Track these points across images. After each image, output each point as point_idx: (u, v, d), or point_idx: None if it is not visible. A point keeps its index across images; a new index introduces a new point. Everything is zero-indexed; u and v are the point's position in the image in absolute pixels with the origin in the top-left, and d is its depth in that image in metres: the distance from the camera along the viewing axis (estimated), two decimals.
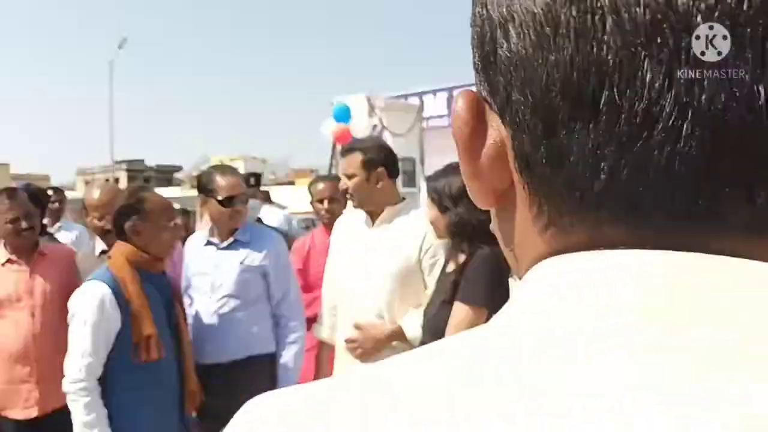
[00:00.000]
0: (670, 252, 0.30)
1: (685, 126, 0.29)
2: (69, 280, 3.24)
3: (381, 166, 2.85)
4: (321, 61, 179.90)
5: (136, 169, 65.29)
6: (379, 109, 7.20)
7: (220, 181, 3.02)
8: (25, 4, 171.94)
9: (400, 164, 7.55)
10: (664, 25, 0.29)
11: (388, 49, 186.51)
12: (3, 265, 3.21)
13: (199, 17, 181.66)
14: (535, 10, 0.31)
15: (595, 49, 0.30)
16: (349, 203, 3.74)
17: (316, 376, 3.07)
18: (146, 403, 2.44)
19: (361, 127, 6.99)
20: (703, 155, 0.29)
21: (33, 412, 3.12)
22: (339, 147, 7.18)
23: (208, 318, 3.02)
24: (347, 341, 2.80)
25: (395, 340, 2.76)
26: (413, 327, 2.70)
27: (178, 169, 77.72)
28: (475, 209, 2.29)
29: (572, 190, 0.32)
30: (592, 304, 0.30)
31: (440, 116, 17.26)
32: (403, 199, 3.01)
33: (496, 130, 0.36)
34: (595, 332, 0.29)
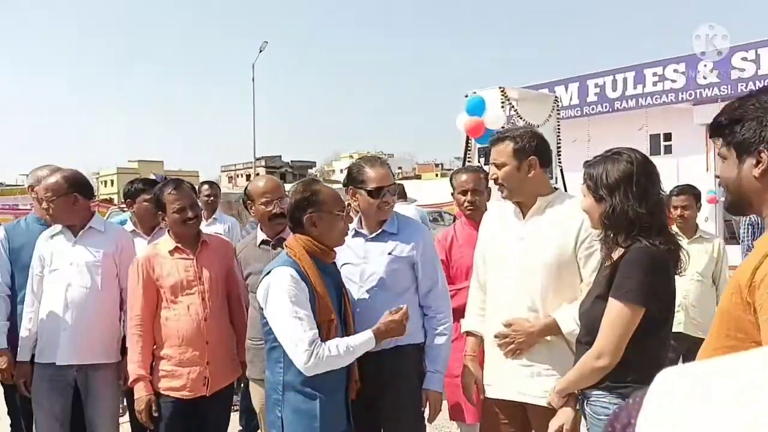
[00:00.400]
0: None
1: None
2: (229, 269, 3.45)
3: (533, 155, 2.77)
4: (447, 59, 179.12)
5: (273, 165, 68.43)
6: (513, 100, 7.11)
7: (370, 172, 3.02)
8: (175, 17, 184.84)
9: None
10: None
11: (517, 46, 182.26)
12: (170, 253, 3.31)
13: (329, 19, 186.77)
14: None
15: None
16: (494, 195, 3.70)
17: (464, 371, 3.05)
18: (319, 382, 2.51)
19: (495, 119, 6.93)
20: None
21: (202, 392, 3.21)
22: (473, 140, 7.19)
23: (358, 307, 3.01)
24: (497, 336, 2.77)
25: (549, 334, 2.70)
26: (569, 321, 2.61)
27: (312, 164, 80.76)
28: (633, 200, 2.28)
29: None
30: None
31: (572, 106, 16.90)
32: (555, 188, 2.93)
33: None
34: None
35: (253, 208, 3.35)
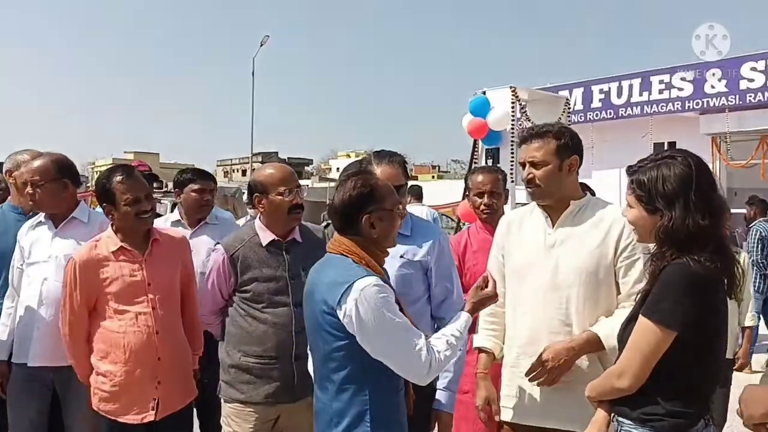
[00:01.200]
0: None
1: None
2: (184, 270, 3.08)
3: (575, 154, 2.58)
4: (449, 59, 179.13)
5: (269, 161, 68.14)
6: (524, 101, 6.87)
7: (377, 169, 2.84)
8: (174, 7, 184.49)
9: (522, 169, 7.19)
10: None
11: (521, 48, 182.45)
12: (114, 254, 2.87)
13: (330, 16, 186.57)
14: None
15: None
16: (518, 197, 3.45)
17: (477, 389, 2.80)
18: (396, 407, 2.28)
19: (499, 120, 6.69)
20: None
21: (149, 416, 2.84)
22: (480, 141, 6.95)
23: None
24: (530, 372, 2.50)
25: (590, 351, 2.46)
26: (611, 334, 2.35)
27: (309, 162, 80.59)
28: (695, 212, 1.93)
29: None
30: None
31: (575, 112, 16.69)
32: (586, 192, 2.70)
33: None
34: None
35: (264, 201, 2.94)
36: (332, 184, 31.10)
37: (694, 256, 1.95)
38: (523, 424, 2.64)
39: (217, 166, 77.34)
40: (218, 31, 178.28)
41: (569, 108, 7.53)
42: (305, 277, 2.75)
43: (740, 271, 2.03)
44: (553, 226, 2.62)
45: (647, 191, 2.06)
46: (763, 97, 14.13)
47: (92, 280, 2.84)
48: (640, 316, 2.02)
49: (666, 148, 17.27)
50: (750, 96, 14.34)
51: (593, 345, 2.45)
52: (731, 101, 14.67)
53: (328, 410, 2.24)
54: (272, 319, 2.85)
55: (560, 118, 7.06)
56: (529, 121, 6.90)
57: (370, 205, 2.25)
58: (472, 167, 7.05)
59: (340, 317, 2.14)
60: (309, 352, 2.46)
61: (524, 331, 2.61)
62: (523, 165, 2.62)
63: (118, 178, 2.83)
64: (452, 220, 14.50)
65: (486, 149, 6.80)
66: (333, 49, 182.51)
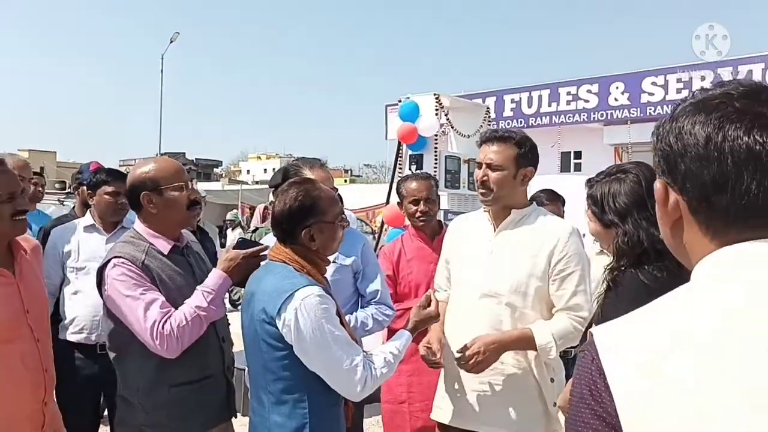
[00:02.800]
0: None
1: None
2: (42, 283, 2.48)
3: (531, 166, 2.60)
4: (364, 64, 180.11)
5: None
6: (446, 108, 6.89)
7: (308, 174, 2.78)
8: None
9: (466, 166, 7.12)
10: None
11: (437, 56, 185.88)
12: None
13: (242, 16, 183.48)
14: (699, 150, 0.82)
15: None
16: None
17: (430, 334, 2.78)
18: (335, 397, 2.16)
19: (429, 126, 6.68)
20: None
21: None
22: (405, 147, 6.91)
23: None
24: (458, 360, 2.52)
25: (521, 346, 2.49)
26: (545, 333, 2.44)
27: (218, 163, 78.77)
28: (648, 225, 1.96)
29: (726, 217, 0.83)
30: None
31: (505, 119, 17.14)
32: (531, 202, 2.74)
33: (675, 196, 0.88)
34: None
35: (155, 199, 2.42)
36: (244, 186, 30.41)
37: (645, 266, 1.98)
38: (455, 427, 2.66)
39: (120, 165, 74.23)
40: (124, 26, 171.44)
41: (490, 116, 7.60)
42: None
43: None
44: (494, 233, 2.65)
45: (600, 206, 2.10)
46: (662, 110, 14.99)
47: None
48: (593, 325, 2.01)
49: (572, 157, 18.09)
50: (650, 109, 15.21)
51: (524, 342, 2.48)
52: (633, 113, 15.50)
53: (266, 423, 2.14)
54: None
55: (481, 125, 7.10)
56: (453, 128, 6.92)
57: (310, 218, 2.16)
58: (396, 173, 7.00)
59: (279, 327, 2.05)
60: (245, 364, 2.32)
61: (458, 338, 2.60)
62: (480, 165, 2.60)
63: None
64: (366, 224, 14.47)
65: (410, 155, 6.74)
66: (246, 49, 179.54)
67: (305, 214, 2.16)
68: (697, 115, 0.84)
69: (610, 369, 0.78)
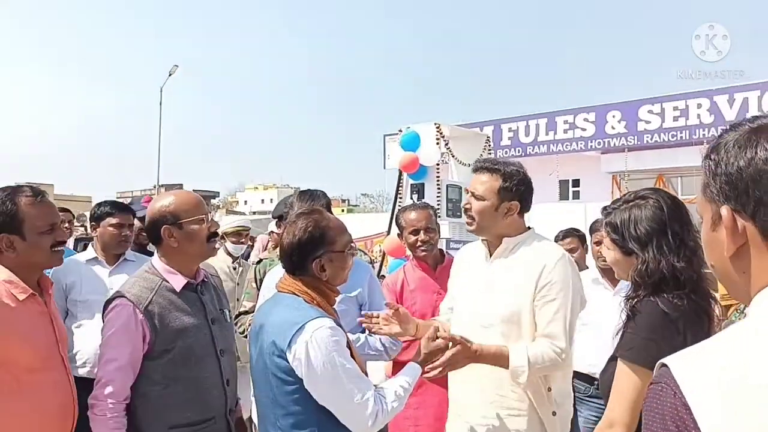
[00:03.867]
0: None
1: None
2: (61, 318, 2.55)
3: (516, 200, 2.56)
4: (359, 95, 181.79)
5: None
6: (447, 137, 6.89)
7: (297, 209, 2.81)
8: (82, 28, 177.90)
9: (467, 195, 7.17)
10: None
11: (425, 86, 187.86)
12: (24, 302, 2.18)
13: (239, 47, 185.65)
14: None
15: None
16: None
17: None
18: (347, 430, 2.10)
19: (430, 155, 6.68)
20: None
21: None
22: (405, 176, 6.90)
23: None
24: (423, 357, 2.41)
25: (493, 363, 2.40)
26: (521, 355, 2.36)
27: (215, 194, 78.84)
28: (669, 254, 1.92)
29: None
30: None
31: (502, 147, 17.23)
32: (528, 228, 2.69)
33: (742, 222, 0.86)
34: None
35: (176, 233, 2.42)
36: (241, 217, 30.42)
37: (664, 294, 1.93)
38: None
39: (117, 197, 74.34)
40: (123, 58, 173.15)
41: (490, 146, 7.61)
42: (226, 318, 2.57)
43: (719, 308, 2.02)
44: (490, 261, 2.63)
45: (620, 234, 2.05)
46: (659, 138, 15.11)
47: (1, 340, 2.12)
48: (619, 361, 1.97)
49: (571, 185, 18.14)
50: (647, 137, 15.30)
51: (498, 359, 2.41)
52: (630, 141, 15.59)
53: None
54: (202, 374, 2.40)
55: (482, 155, 7.11)
56: (453, 157, 6.92)
57: (320, 249, 2.14)
58: (397, 204, 6.97)
59: (290, 360, 2.00)
60: (252, 398, 2.27)
61: (459, 372, 2.52)
62: (468, 192, 2.62)
63: (29, 198, 2.23)
64: (364, 254, 14.43)
65: (411, 184, 6.73)
66: (242, 81, 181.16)
67: (315, 245, 2.13)
68: (764, 138, 0.84)
69: (696, 404, 0.77)
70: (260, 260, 3.95)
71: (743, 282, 0.90)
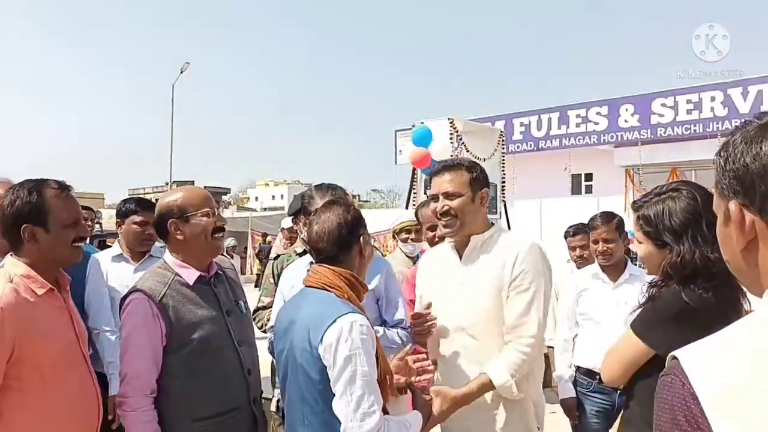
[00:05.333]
0: None
1: None
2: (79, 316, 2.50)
3: (485, 187, 2.61)
4: (371, 90, 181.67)
5: None
6: (461, 132, 6.90)
7: (320, 203, 2.75)
8: (95, 26, 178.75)
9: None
10: None
11: (435, 81, 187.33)
12: (43, 298, 2.16)
13: (249, 44, 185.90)
14: None
15: None
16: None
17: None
18: None
19: (442, 150, 6.69)
20: None
21: None
22: (419, 172, 6.91)
23: None
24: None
25: (480, 395, 2.42)
26: (501, 372, 2.38)
27: (227, 191, 79.16)
28: (704, 245, 1.87)
29: None
30: None
31: (514, 142, 17.17)
32: (492, 224, 2.70)
33: (751, 217, 0.87)
34: None
35: (182, 227, 2.48)
36: (253, 214, 30.45)
37: (691, 286, 1.93)
38: None
39: (129, 195, 74.81)
40: (135, 55, 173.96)
41: (504, 140, 7.61)
42: (241, 310, 2.58)
43: (745, 305, 2.00)
44: (461, 262, 2.60)
45: (654, 226, 2.04)
46: (673, 132, 14.99)
47: (23, 336, 2.06)
48: (629, 328, 2.02)
49: (583, 179, 18.06)
50: (660, 130, 15.19)
51: (483, 388, 2.42)
52: (643, 135, 15.48)
53: None
54: (221, 366, 2.43)
55: (496, 149, 7.11)
56: (468, 152, 6.92)
57: (362, 227, 2.20)
58: (411, 198, 6.99)
59: (321, 354, 1.99)
60: (278, 393, 2.26)
61: (442, 372, 2.53)
62: (436, 198, 2.58)
63: (55, 191, 2.21)
64: (376, 249, 14.43)
65: (425, 179, 6.75)
66: (252, 77, 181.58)
67: (359, 222, 2.20)
68: None
69: (704, 393, 0.79)
70: (278, 256, 3.97)
71: (756, 275, 0.91)
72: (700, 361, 0.84)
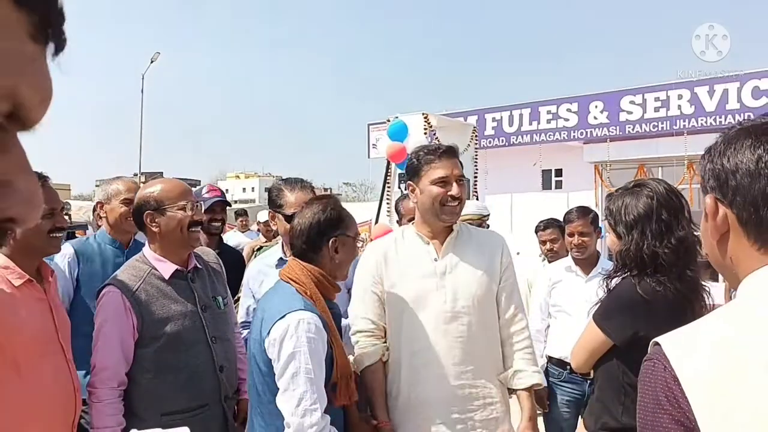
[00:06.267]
0: None
1: None
2: (64, 308, 2.47)
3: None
4: (343, 83, 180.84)
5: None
6: (435, 127, 6.95)
7: (289, 196, 2.84)
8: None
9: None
10: None
11: (407, 74, 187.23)
12: (20, 289, 2.15)
13: (218, 33, 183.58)
14: (750, 166, 0.91)
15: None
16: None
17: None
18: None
19: (417, 145, 6.73)
20: None
21: None
22: (393, 165, 6.94)
23: None
24: None
25: (531, 400, 2.56)
26: (532, 375, 2.54)
27: (197, 183, 78.20)
28: (651, 239, 2.06)
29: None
30: None
31: (486, 137, 17.27)
32: None
33: (723, 210, 0.96)
34: None
35: (159, 219, 2.50)
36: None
37: (646, 279, 2.09)
38: None
39: (96, 186, 73.56)
40: (104, 44, 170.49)
41: (476, 135, 7.69)
42: (218, 306, 2.58)
43: (706, 299, 2.11)
44: (437, 252, 2.54)
45: (614, 218, 2.21)
46: (641, 129, 15.24)
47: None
48: (590, 319, 2.23)
49: (553, 174, 18.25)
50: (629, 127, 15.43)
51: (530, 396, 2.55)
52: (612, 132, 15.71)
53: None
54: (193, 361, 2.43)
55: (469, 144, 7.18)
56: None
57: (337, 230, 2.20)
58: (385, 193, 7.02)
59: (266, 347, 2.03)
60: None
61: (426, 365, 2.46)
62: (447, 181, 2.46)
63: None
64: None
65: (399, 174, 6.79)
66: (224, 68, 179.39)
67: (333, 225, 2.20)
68: (748, 138, 0.94)
69: (685, 375, 0.87)
70: (260, 247, 3.99)
71: (730, 267, 0.99)
72: (681, 345, 0.90)
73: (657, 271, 2.08)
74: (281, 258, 2.89)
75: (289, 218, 2.75)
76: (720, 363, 0.84)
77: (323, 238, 2.18)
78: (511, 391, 2.57)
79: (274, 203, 2.86)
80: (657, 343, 0.93)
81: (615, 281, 2.21)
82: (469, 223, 4.08)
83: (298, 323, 1.99)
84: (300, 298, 2.08)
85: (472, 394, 2.44)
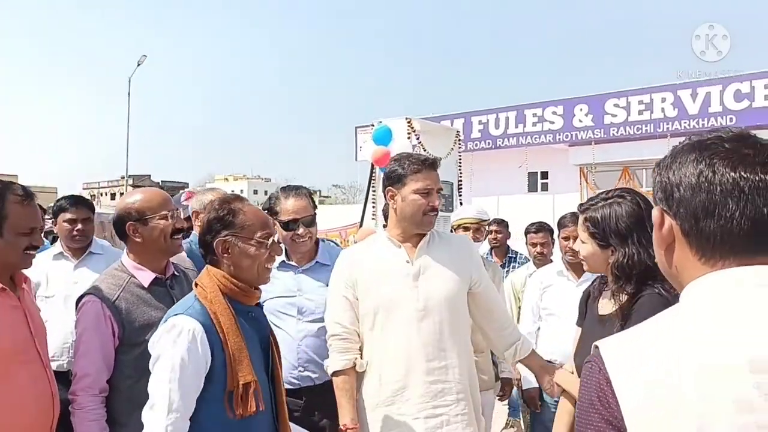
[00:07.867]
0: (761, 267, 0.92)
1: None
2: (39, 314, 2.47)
3: None
4: (332, 85, 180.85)
5: (142, 185, 65.13)
6: (418, 131, 7.03)
7: (284, 203, 2.91)
8: (46, 16, 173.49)
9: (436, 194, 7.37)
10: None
11: (395, 77, 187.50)
12: None
13: (207, 35, 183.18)
14: (691, 180, 0.97)
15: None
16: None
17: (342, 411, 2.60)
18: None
19: (402, 149, 6.80)
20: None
21: None
22: (378, 169, 7.01)
23: (293, 342, 2.85)
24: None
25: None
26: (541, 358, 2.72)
27: (184, 185, 77.91)
28: (648, 246, 2.03)
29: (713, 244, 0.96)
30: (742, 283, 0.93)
31: (473, 140, 17.41)
32: None
33: (669, 221, 1.01)
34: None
35: (141, 229, 2.51)
36: None
37: (658, 285, 2.03)
38: None
39: (84, 189, 73.14)
40: (87, 47, 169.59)
41: (460, 139, 7.77)
42: None
43: None
44: (410, 255, 2.61)
45: (601, 229, 2.15)
46: (625, 131, 15.43)
47: None
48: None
49: (539, 177, 18.40)
50: (613, 130, 15.62)
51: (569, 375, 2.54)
52: (597, 134, 15.90)
53: None
54: None
55: (452, 148, 7.26)
56: (426, 150, 7.05)
57: (226, 230, 2.07)
58: (369, 196, 7.08)
59: (151, 350, 2.03)
60: None
61: (400, 362, 2.52)
62: (430, 192, 2.56)
63: (17, 198, 2.19)
64: (338, 245, 14.47)
65: (383, 177, 6.84)
66: (211, 71, 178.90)
67: (222, 224, 2.08)
68: (692, 153, 0.99)
69: (617, 378, 0.91)
70: None
71: (675, 275, 1.04)
72: (617, 348, 0.96)
73: (651, 279, 2.04)
74: (283, 261, 2.95)
75: (285, 225, 2.84)
76: (652, 368, 0.88)
77: (211, 240, 2.09)
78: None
79: (271, 210, 2.93)
80: (597, 346, 0.97)
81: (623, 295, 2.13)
82: (469, 227, 4.12)
83: (172, 328, 1.97)
84: (191, 303, 2.04)
85: (445, 390, 2.52)
